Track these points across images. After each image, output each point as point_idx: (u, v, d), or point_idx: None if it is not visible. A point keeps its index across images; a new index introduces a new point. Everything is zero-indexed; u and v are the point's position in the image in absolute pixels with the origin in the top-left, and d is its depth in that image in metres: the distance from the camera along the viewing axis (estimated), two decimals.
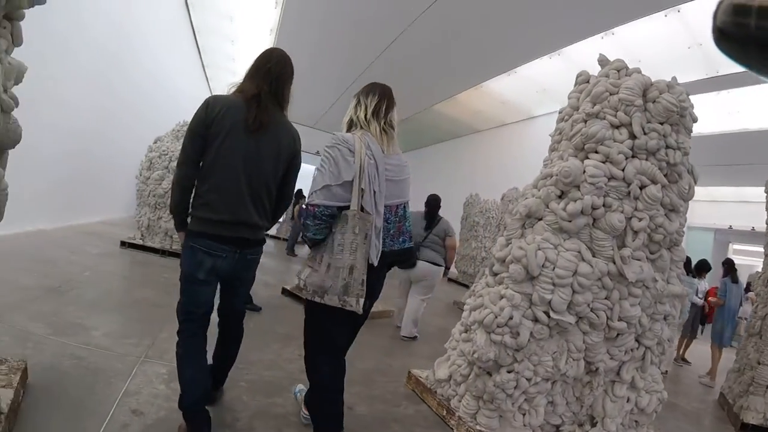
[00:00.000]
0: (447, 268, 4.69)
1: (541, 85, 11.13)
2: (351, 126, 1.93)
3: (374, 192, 1.73)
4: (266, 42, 11.15)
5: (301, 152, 2.02)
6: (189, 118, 1.92)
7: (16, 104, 1.59)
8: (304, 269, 1.76)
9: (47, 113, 5.51)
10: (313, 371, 1.92)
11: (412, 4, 8.14)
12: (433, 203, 4.70)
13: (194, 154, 1.80)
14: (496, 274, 2.66)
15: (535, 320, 2.43)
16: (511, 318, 2.36)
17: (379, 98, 1.89)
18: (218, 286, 1.98)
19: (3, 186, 1.49)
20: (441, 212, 4.80)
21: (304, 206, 1.75)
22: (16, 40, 1.54)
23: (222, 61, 13.91)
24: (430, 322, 5.56)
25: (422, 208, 4.78)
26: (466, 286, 10.61)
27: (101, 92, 7.34)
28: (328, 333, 1.85)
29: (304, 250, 10.80)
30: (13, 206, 5.17)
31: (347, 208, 1.68)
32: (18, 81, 1.65)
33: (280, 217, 2.10)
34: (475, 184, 12.95)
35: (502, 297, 2.44)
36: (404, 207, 1.90)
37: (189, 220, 1.86)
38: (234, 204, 1.78)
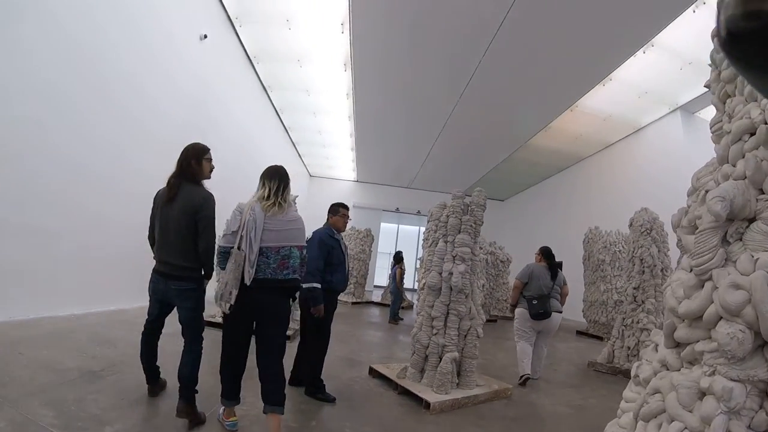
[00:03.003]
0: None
1: (642, 88, 9.47)
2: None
3: (250, 238, 2.42)
4: (346, 108, 11.20)
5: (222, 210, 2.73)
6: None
7: None
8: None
9: (126, 182, 5.62)
10: (222, 352, 2.61)
11: (477, 43, 7.64)
12: (553, 255, 5.08)
13: (150, 224, 2.82)
14: (680, 345, 1.43)
15: None
16: None
17: (279, 182, 2.60)
18: (165, 308, 2.87)
19: None
20: (559, 257, 5.18)
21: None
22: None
23: (310, 136, 14.18)
24: (560, 396, 4.21)
25: (527, 258, 5.24)
26: (599, 338, 9.18)
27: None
28: (226, 329, 2.61)
29: (410, 317, 9.82)
30: (88, 285, 4.95)
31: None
32: None
33: (207, 257, 2.69)
34: (590, 218, 11.45)
35: (703, 394, 1.26)
36: (289, 249, 2.54)
37: None
38: (159, 250, 2.71)
